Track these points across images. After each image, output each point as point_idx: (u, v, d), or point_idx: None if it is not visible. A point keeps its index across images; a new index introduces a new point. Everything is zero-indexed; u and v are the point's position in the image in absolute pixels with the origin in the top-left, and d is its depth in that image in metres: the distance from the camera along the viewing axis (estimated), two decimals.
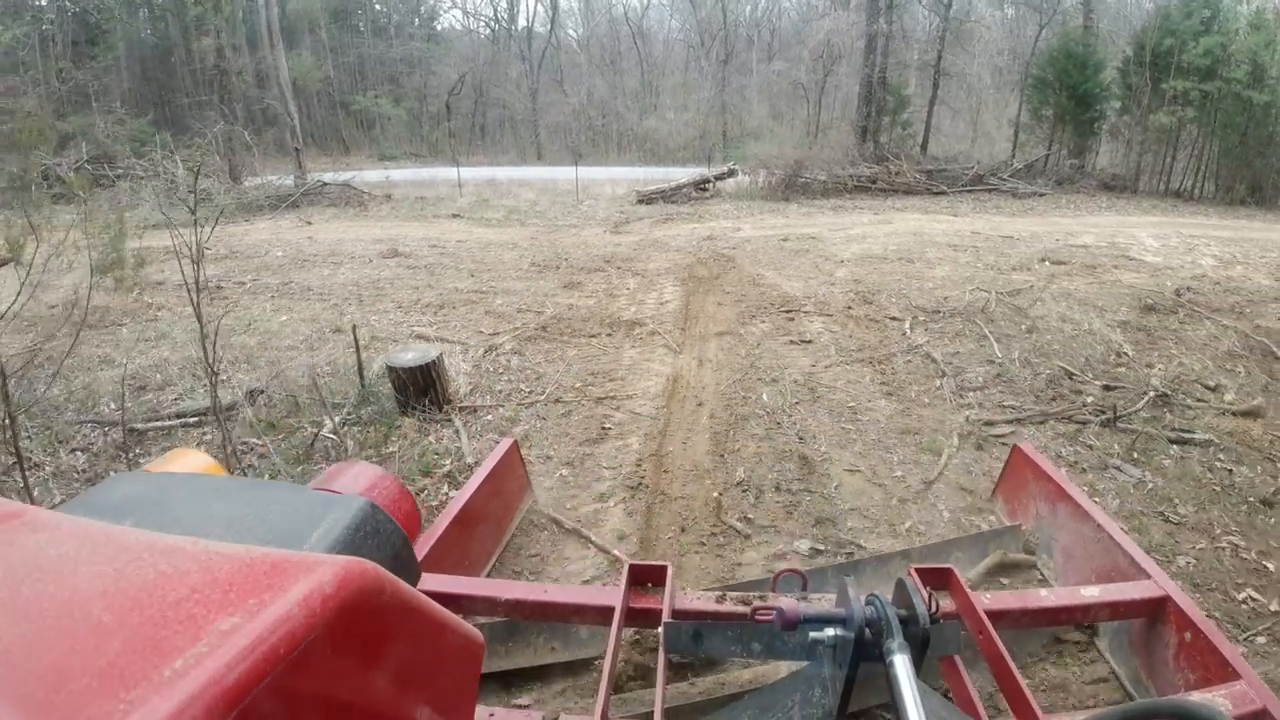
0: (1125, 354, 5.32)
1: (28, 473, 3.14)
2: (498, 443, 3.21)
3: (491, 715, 1.86)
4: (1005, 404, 4.35)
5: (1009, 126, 18.65)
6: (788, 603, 1.28)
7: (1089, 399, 4.43)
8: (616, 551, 2.91)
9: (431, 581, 2.14)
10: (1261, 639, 2.54)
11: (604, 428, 4.06)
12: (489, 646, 2.27)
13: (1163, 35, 16.41)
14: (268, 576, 0.59)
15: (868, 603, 1.19)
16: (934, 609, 1.26)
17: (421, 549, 2.30)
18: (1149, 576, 2.24)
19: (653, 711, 1.66)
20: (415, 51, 29.09)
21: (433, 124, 27.90)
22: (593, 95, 28.90)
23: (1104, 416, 4.07)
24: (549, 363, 5.13)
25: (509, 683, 2.34)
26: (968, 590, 2.06)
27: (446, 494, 3.31)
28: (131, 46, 23.54)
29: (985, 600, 2.09)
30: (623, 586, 2.07)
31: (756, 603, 1.30)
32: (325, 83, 21.81)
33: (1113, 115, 17.85)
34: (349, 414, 3.99)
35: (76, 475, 3.59)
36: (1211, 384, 4.87)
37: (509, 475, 3.12)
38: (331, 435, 3.66)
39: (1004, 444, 3.76)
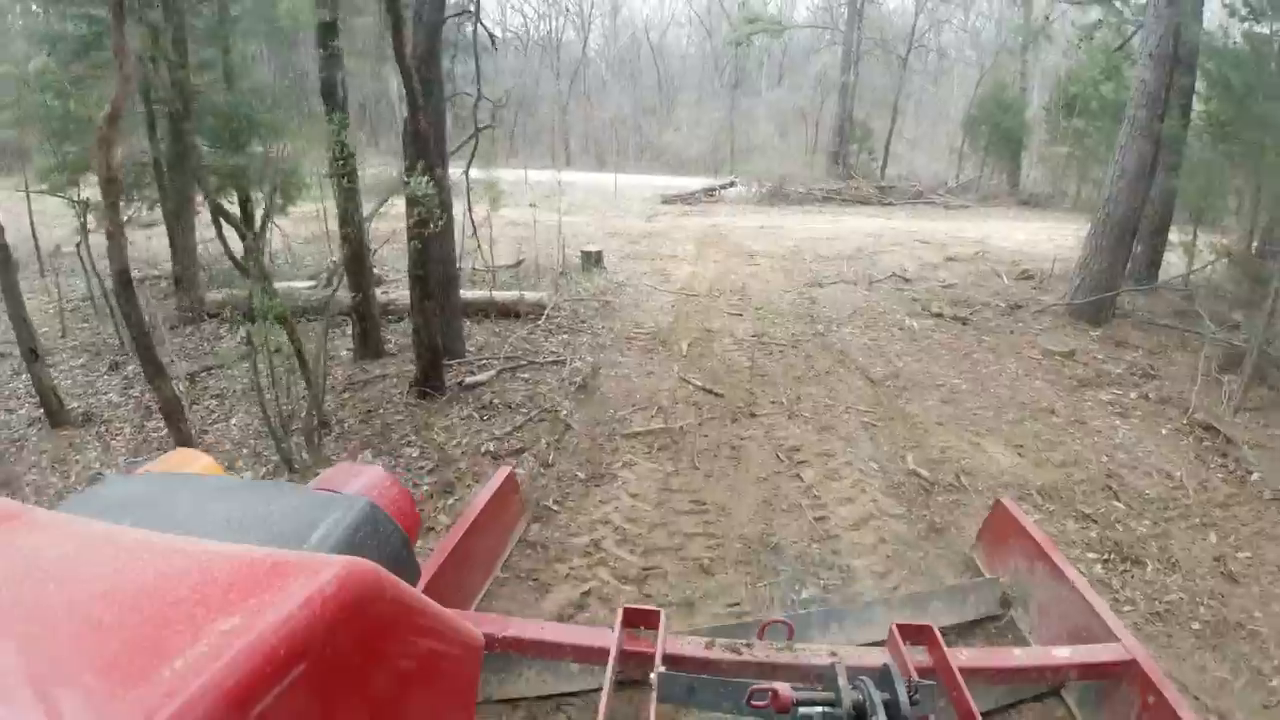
0: (908, 269, 12.33)
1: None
2: (492, 475, 3.79)
3: None
4: (836, 280, 11.34)
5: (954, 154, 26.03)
6: (782, 688, 1.39)
7: (873, 281, 11.40)
8: (674, 294, 9.97)
9: None
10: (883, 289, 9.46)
11: (665, 279, 11.14)
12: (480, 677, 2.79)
13: (1072, 83, 23.68)
14: (268, 577, 0.63)
15: (854, 686, 1.39)
16: (913, 691, 1.47)
17: (420, 584, 2.51)
18: (1118, 639, 2.51)
19: None
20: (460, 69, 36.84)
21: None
22: (619, 110, 36.43)
23: (869, 281, 11.11)
24: (635, 265, 12.19)
25: (500, 713, 2.80)
26: (944, 648, 2.36)
27: (610, 281, 10.32)
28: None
29: (961, 658, 2.37)
30: (616, 629, 2.30)
31: (753, 687, 1.47)
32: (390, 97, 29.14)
33: (1041, 146, 25.13)
34: (561, 271, 11.05)
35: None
36: (922, 276, 11.85)
37: (505, 504, 3.61)
38: (564, 273, 10.72)
39: (821, 286, 10.81)
